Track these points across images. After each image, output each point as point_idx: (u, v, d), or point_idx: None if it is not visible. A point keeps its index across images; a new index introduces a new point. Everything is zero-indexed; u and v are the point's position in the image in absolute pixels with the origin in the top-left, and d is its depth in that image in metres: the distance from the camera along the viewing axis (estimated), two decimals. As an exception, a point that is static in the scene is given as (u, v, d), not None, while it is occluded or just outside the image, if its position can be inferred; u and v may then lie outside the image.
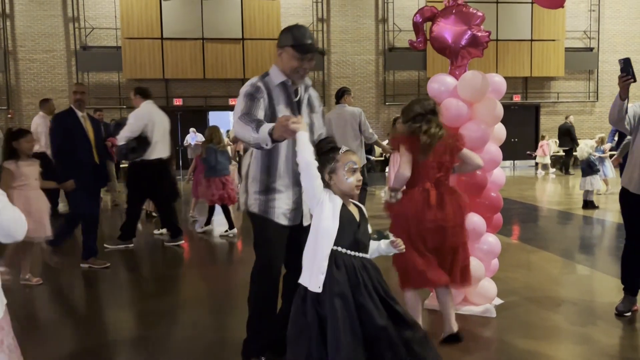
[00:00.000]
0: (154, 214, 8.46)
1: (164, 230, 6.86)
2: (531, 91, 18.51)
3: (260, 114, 2.65)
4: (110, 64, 16.22)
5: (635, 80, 3.43)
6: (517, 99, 18.27)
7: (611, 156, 9.14)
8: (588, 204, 8.73)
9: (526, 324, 3.67)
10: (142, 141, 6.04)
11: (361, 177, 2.21)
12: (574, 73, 18.55)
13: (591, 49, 18.61)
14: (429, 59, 16.86)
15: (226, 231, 7.05)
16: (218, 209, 7.27)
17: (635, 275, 3.79)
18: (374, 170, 15.28)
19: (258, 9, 16.39)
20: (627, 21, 18.60)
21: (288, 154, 2.74)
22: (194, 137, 15.44)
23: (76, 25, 16.16)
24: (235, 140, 7.80)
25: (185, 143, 15.83)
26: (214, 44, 16.32)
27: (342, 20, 17.35)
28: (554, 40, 17.77)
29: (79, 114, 5.32)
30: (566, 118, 16.34)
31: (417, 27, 3.93)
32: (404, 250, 2.33)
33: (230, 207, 7.26)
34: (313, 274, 2.12)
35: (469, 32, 3.65)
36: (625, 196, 3.74)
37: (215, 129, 7.35)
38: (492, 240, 3.79)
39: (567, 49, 17.98)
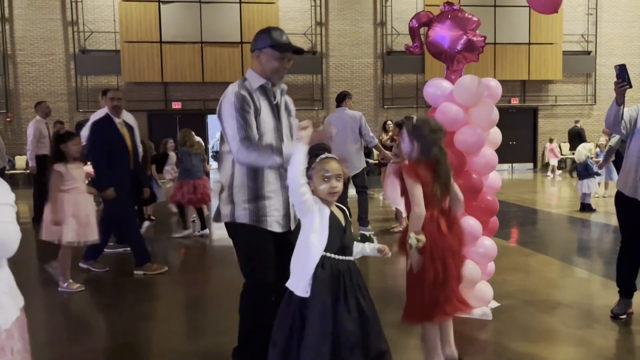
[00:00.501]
0: (152, 217, 8.49)
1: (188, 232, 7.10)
2: (529, 94, 18.56)
3: (255, 128, 2.64)
4: (109, 68, 16.25)
5: (631, 86, 3.46)
6: (515, 102, 18.33)
7: (615, 161, 9.20)
8: (585, 207, 8.76)
9: (522, 326, 3.69)
10: None
11: (336, 185, 2.22)
12: (572, 76, 18.62)
13: (589, 53, 18.68)
14: (427, 62, 16.92)
15: (199, 231, 7.14)
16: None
17: (630, 277, 3.81)
18: (372, 173, 15.31)
19: (257, 13, 16.44)
20: (625, 24, 18.68)
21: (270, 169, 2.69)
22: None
23: (75, 29, 16.20)
24: None
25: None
26: (213, 48, 16.36)
27: (341, 23, 17.40)
28: (551, 43, 17.84)
29: (116, 120, 5.25)
30: (576, 122, 16.36)
31: (413, 32, 3.96)
32: (389, 256, 2.47)
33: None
34: (301, 280, 2.20)
35: (465, 37, 3.68)
36: (620, 199, 3.77)
37: (188, 132, 7.44)
38: (488, 244, 3.82)
39: (565, 53, 18.05)
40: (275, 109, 2.78)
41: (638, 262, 3.80)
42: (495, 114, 3.72)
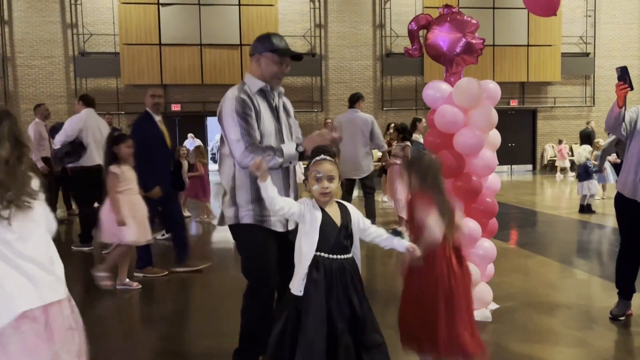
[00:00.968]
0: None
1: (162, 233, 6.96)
2: (528, 96, 18.59)
3: (257, 131, 2.69)
4: (108, 70, 16.26)
5: (632, 89, 3.47)
6: (514, 103, 18.35)
7: (616, 166, 9.22)
8: (585, 209, 8.78)
9: (522, 328, 3.70)
10: (76, 146, 6.16)
11: (327, 186, 2.30)
12: (571, 78, 18.65)
13: (587, 54, 18.71)
14: (426, 64, 16.94)
15: (163, 235, 7.17)
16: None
17: (629, 279, 3.82)
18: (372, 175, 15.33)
19: (256, 15, 16.46)
20: (623, 26, 18.72)
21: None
22: (192, 143, 15.47)
23: (74, 32, 16.21)
24: None
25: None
26: (212, 50, 16.38)
27: (340, 25, 17.42)
28: (550, 45, 17.88)
29: (156, 118, 5.24)
30: (587, 123, 16.38)
31: (412, 35, 3.97)
32: (418, 254, 2.46)
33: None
34: (296, 278, 2.32)
35: (464, 40, 3.69)
36: (619, 201, 3.78)
37: None
38: (487, 246, 3.83)
39: (564, 54, 18.08)
40: (275, 111, 2.83)
41: (637, 264, 3.81)
42: (494, 116, 3.74)
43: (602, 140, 10.31)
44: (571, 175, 16.23)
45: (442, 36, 3.74)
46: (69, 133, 6.20)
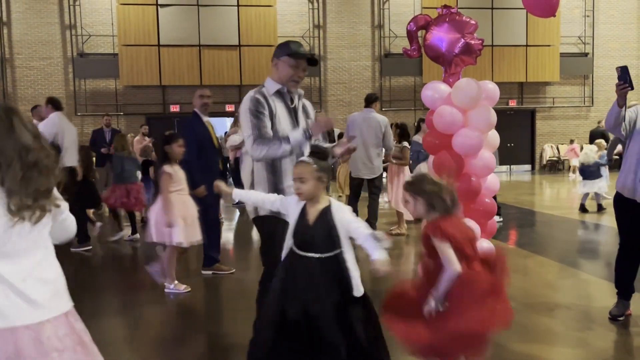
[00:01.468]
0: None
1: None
2: (527, 96, 18.61)
3: (269, 127, 2.86)
4: (107, 71, 16.26)
5: (632, 88, 3.46)
6: (512, 104, 18.37)
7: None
8: (584, 207, 8.78)
9: (521, 328, 3.69)
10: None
11: (297, 187, 2.41)
12: (569, 78, 18.67)
13: (586, 54, 18.73)
14: (425, 65, 16.94)
15: (129, 236, 7.19)
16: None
17: (628, 279, 3.82)
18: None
19: (255, 16, 16.46)
20: (621, 26, 18.74)
21: (293, 163, 2.82)
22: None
23: (73, 33, 16.20)
24: (237, 147, 7.85)
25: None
26: (211, 51, 16.37)
27: (338, 26, 17.43)
28: (549, 45, 17.89)
29: (204, 118, 5.27)
30: (598, 123, 16.39)
31: (411, 36, 3.98)
32: (380, 274, 2.36)
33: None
34: None
35: (462, 40, 3.70)
36: (619, 201, 3.78)
37: (123, 137, 7.57)
38: (486, 246, 3.82)
39: (562, 54, 18.10)
40: (293, 112, 3.00)
41: (636, 264, 3.81)
42: (493, 117, 3.74)
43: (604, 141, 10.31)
44: (572, 175, 16.23)
45: (440, 37, 3.74)
46: (45, 137, 6.24)
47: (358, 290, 2.42)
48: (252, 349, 2.51)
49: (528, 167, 19.07)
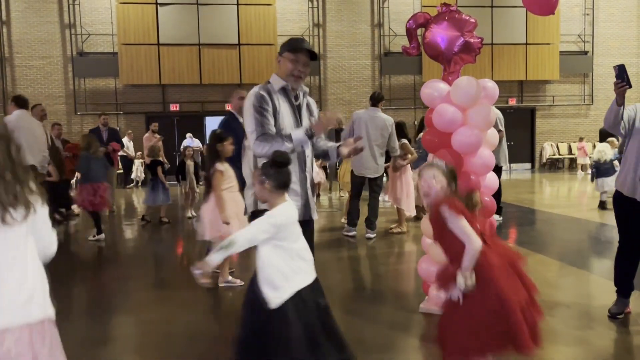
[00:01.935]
0: (164, 219, 8.50)
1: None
2: (527, 94, 18.61)
3: (272, 124, 2.89)
4: (106, 70, 16.26)
5: (630, 87, 3.47)
6: (512, 102, 18.37)
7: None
8: (604, 205, 8.77)
9: (521, 326, 3.69)
10: None
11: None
12: (569, 76, 18.67)
13: (586, 53, 18.74)
14: (424, 63, 16.94)
15: (94, 236, 7.18)
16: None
17: (627, 277, 3.82)
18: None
19: (254, 15, 16.46)
20: (621, 24, 18.74)
21: (295, 160, 2.92)
22: (190, 143, 15.47)
23: (73, 32, 16.20)
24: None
25: (182, 148, 15.85)
26: (211, 50, 16.37)
27: (338, 25, 17.43)
28: (548, 44, 17.90)
29: (241, 119, 5.31)
30: None
31: (410, 33, 3.97)
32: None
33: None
34: None
35: (462, 39, 3.69)
36: (618, 199, 3.78)
37: (91, 137, 7.60)
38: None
39: (562, 53, 18.10)
40: (297, 110, 3.02)
41: (636, 262, 3.81)
42: (492, 115, 3.74)
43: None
44: (588, 172, 16.19)
45: (440, 35, 3.74)
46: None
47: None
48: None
49: (528, 165, 19.07)
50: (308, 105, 3.13)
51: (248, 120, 2.92)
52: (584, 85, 18.91)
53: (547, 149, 18.73)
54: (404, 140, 7.31)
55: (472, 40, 3.69)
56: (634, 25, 18.81)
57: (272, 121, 2.89)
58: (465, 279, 2.35)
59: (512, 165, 18.70)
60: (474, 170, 3.70)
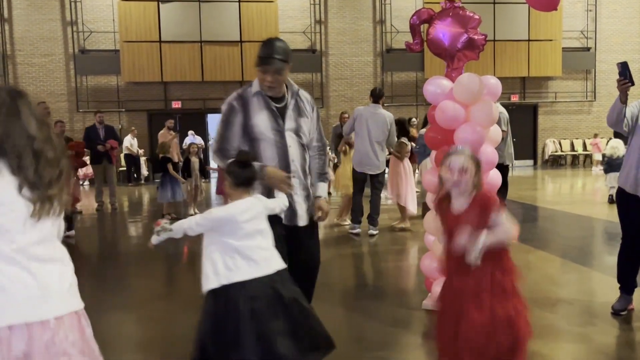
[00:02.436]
0: (172, 215, 8.51)
1: None
2: (529, 91, 18.57)
3: (233, 139, 2.89)
4: (108, 68, 16.26)
5: (633, 84, 3.46)
6: (515, 99, 18.33)
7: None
8: (613, 199, 8.77)
9: (523, 323, 3.69)
10: None
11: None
12: (572, 73, 18.62)
13: (588, 49, 18.68)
14: (426, 60, 16.91)
15: (65, 232, 7.15)
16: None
17: (631, 274, 3.82)
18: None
19: (256, 12, 16.43)
20: (624, 20, 18.67)
21: (276, 163, 2.88)
22: (192, 140, 15.48)
23: (74, 29, 16.20)
24: None
25: (184, 146, 15.85)
26: (212, 47, 16.36)
27: (340, 21, 17.39)
28: (551, 40, 17.84)
29: None
30: None
31: (413, 29, 3.95)
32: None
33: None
34: None
35: (466, 35, 3.68)
36: (621, 196, 3.78)
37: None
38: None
39: (565, 49, 18.05)
40: (278, 112, 2.93)
41: (639, 259, 3.81)
42: (495, 112, 3.73)
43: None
44: (600, 168, 16.16)
45: (444, 31, 3.73)
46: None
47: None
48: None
49: (530, 162, 19.04)
50: (297, 105, 3.01)
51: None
52: (586, 81, 18.86)
53: (550, 146, 18.70)
54: (404, 139, 7.32)
55: (475, 37, 3.67)
56: (636, 21, 18.74)
57: (234, 134, 2.88)
58: (478, 250, 2.27)
59: (514, 162, 18.65)
60: (477, 167, 3.69)
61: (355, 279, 5.16)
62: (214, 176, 12.90)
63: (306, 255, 3.04)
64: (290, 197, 2.88)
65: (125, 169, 15.64)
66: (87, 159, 10.23)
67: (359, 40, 17.52)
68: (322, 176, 3.13)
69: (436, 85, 3.76)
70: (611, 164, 8.88)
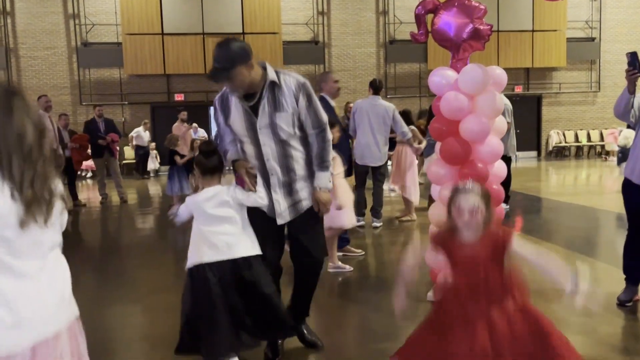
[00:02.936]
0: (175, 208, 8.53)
1: None
2: (533, 82, 18.47)
3: (226, 134, 2.98)
4: (111, 60, 16.24)
5: None
6: (519, 90, 18.24)
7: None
8: None
9: (529, 314, 3.69)
10: None
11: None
12: (576, 63, 18.49)
13: (593, 39, 18.54)
14: (430, 51, 16.83)
15: None
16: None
17: (636, 265, 3.81)
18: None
19: (258, 3, 16.35)
20: (629, 10, 18.51)
21: (255, 161, 2.90)
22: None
23: (77, 22, 16.17)
24: None
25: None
26: (215, 39, 16.13)
27: (343, 13, 17.30)
28: (555, 30, 17.71)
29: (332, 103, 5.37)
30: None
31: (419, 19, 3.93)
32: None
33: None
34: None
35: (471, 25, 3.65)
36: (627, 187, 3.76)
37: None
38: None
39: (569, 39, 17.92)
40: (250, 110, 2.82)
41: (644, 249, 3.80)
42: (500, 102, 3.71)
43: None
44: (613, 159, 16.08)
45: (449, 21, 3.70)
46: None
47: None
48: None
49: (534, 153, 18.97)
50: (275, 99, 2.80)
51: None
52: (591, 72, 18.74)
53: (554, 137, 18.61)
54: (413, 127, 7.30)
55: (481, 27, 3.65)
56: (642, 11, 18.59)
57: (225, 133, 2.97)
58: (572, 280, 2.26)
59: (518, 153, 18.56)
60: (482, 159, 3.68)
61: (359, 270, 5.16)
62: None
63: (298, 251, 3.00)
64: (269, 193, 2.87)
65: (132, 161, 15.75)
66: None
67: (362, 31, 17.43)
68: (322, 164, 2.90)
69: (441, 76, 3.74)
70: (625, 154, 8.88)
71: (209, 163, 2.81)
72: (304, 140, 2.91)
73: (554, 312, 3.75)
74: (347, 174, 5.41)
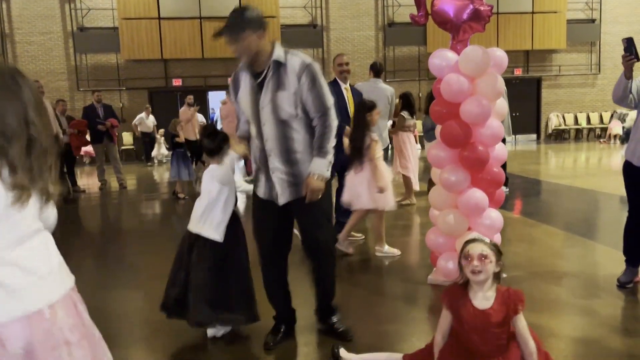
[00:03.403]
0: (180, 195, 8.50)
1: None
2: (533, 64, 18.36)
3: (241, 114, 3.04)
4: (108, 45, 16.10)
5: (638, 60, 3.45)
6: (518, 72, 18.14)
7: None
8: None
9: (528, 297, 3.65)
10: None
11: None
12: (576, 45, 18.37)
13: (593, 21, 18.40)
14: (429, 33, 16.71)
15: None
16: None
17: (637, 246, 3.82)
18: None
19: (255, -14, 16.16)
20: (630, -9, 18.36)
21: (257, 141, 2.91)
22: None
23: (72, 7, 16.00)
24: None
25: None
26: (212, 23, 16.12)
27: (341, -5, 17.13)
28: (555, 12, 17.56)
29: (342, 85, 5.38)
30: None
31: (418, 1, 3.88)
32: None
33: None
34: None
35: (471, 6, 3.61)
36: (628, 169, 3.76)
37: None
38: (494, 215, 3.81)
39: (569, 21, 17.78)
40: (256, 89, 2.84)
41: (645, 231, 3.80)
42: (501, 85, 3.68)
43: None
44: (610, 142, 16.01)
45: (449, 2, 3.66)
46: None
47: None
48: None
49: (533, 136, 18.94)
50: (278, 78, 2.77)
51: None
52: (591, 54, 18.63)
53: (553, 120, 18.57)
54: (404, 113, 7.28)
55: (481, 8, 3.60)
56: (642, -9, 18.42)
57: (240, 112, 3.03)
58: None
59: (517, 136, 18.57)
60: (483, 141, 3.67)
61: (360, 254, 5.17)
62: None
63: (302, 233, 3.00)
64: (267, 174, 2.87)
65: (133, 147, 15.65)
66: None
67: (360, 14, 17.28)
68: (320, 150, 2.79)
69: (441, 58, 3.70)
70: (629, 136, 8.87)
71: (210, 145, 3.14)
72: (308, 124, 2.83)
73: (554, 294, 3.77)
74: None
